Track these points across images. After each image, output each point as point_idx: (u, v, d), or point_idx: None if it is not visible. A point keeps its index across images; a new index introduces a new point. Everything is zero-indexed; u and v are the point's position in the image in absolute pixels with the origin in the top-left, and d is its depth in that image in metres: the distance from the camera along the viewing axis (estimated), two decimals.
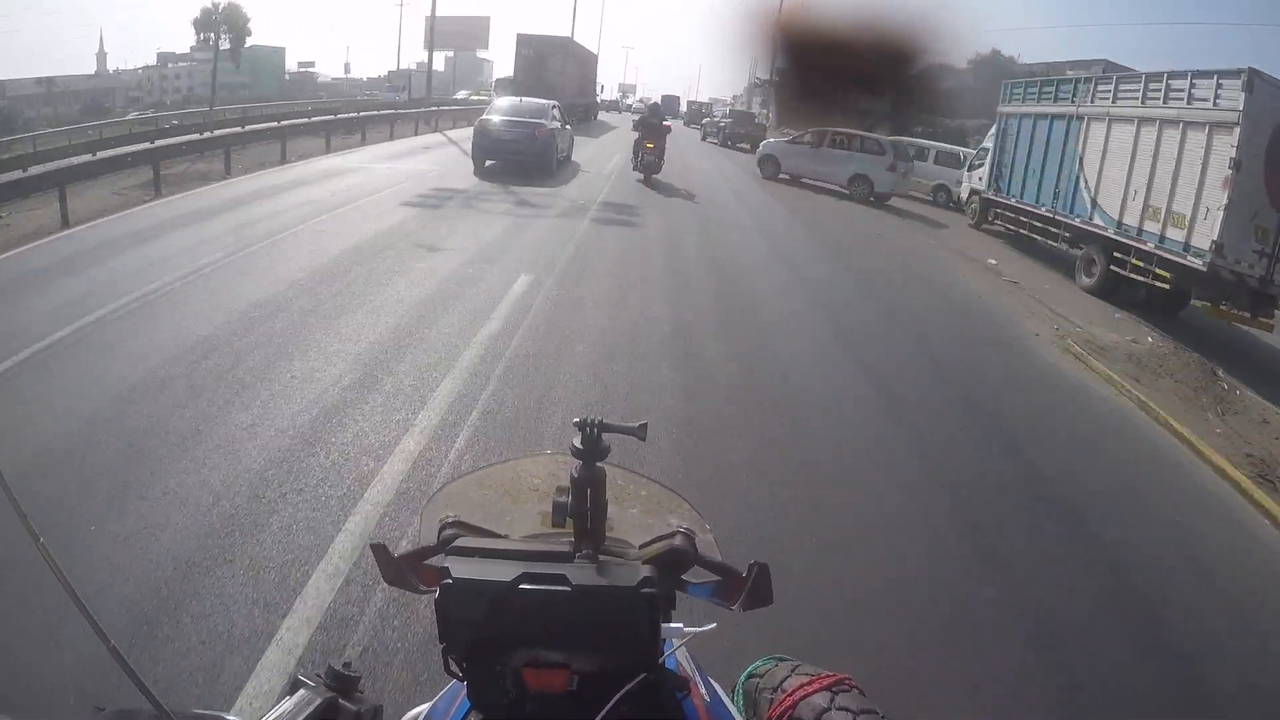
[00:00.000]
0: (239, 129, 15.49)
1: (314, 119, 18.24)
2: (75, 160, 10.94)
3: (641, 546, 0.90)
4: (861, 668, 1.13)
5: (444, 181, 12.27)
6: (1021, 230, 12.31)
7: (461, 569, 0.75)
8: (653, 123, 14.11)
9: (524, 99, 15.53)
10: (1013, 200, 12.52)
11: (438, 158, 15.95)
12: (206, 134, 14.58)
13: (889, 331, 7.02)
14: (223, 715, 0.75)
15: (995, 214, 13.50)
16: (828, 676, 1.03)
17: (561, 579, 0.74)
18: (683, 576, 0.88)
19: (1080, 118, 10.72)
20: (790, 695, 1.01)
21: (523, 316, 5.80)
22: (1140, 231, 9.18)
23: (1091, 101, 10.58)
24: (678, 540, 0.88)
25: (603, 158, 17.68)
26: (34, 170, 10.03)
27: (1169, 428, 5.45)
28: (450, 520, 0.89)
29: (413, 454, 3.61)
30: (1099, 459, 4.87)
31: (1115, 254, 9.56)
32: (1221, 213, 7.92)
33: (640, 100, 30.98)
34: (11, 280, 6.13)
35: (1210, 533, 4.09)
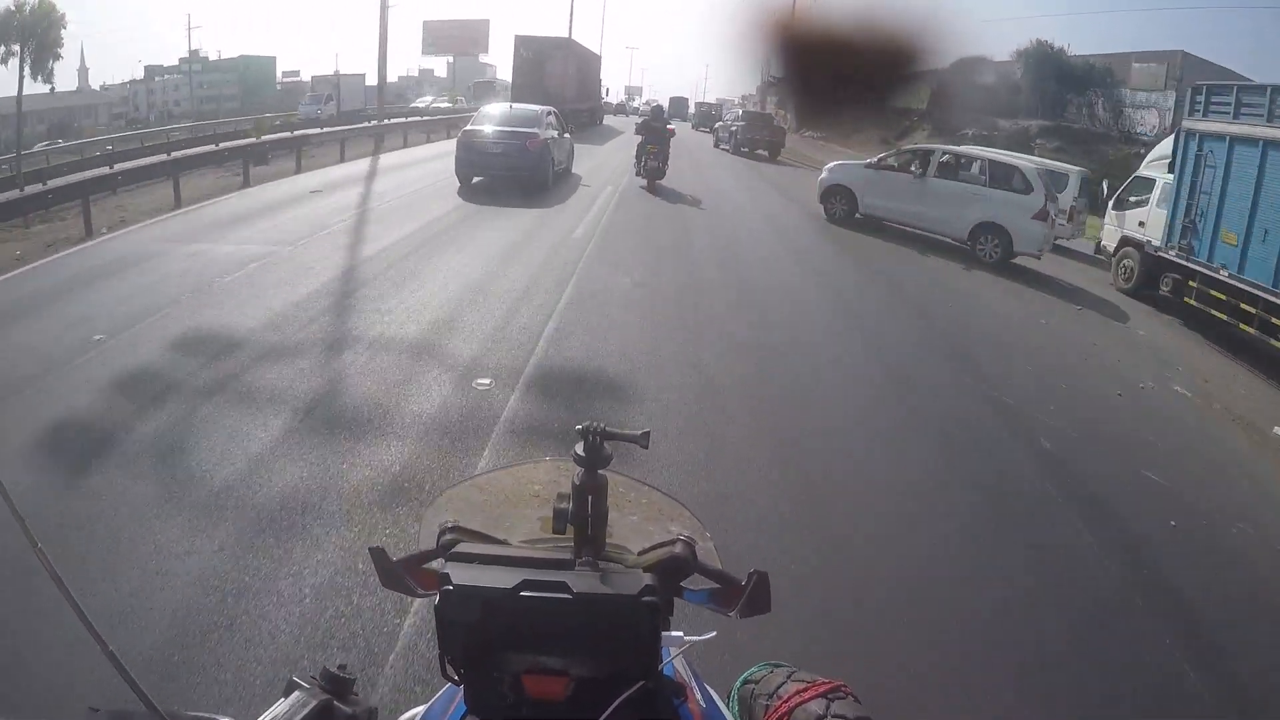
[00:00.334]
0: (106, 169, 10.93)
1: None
2: None
3: (641, 553, 0.90)
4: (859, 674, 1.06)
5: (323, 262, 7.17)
6: (1218, 312, 8.19)
7: (461, 575, 0.76)
8: (655, 126, 13.61)
9: (514, 106, 13.95)
10: (1219, 271, 8.21)
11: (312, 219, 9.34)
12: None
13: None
14: (216, 717, 0.73)
15: (1172, 281, 9.28)
16: (823, 683, 1.02)
17: (562, 586, 0.75)
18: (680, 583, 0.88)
19: None
20: (786, 702, 1.01)
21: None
22: None
23: None
24: (678, 548, 0.88)
25: (606, 170, 15.70)
26: None
27: None
28: (450, 525, 0.90)
29: None
30: None
31: None
32: None
33: (646, 103, 29.21)
34: None
35: None
